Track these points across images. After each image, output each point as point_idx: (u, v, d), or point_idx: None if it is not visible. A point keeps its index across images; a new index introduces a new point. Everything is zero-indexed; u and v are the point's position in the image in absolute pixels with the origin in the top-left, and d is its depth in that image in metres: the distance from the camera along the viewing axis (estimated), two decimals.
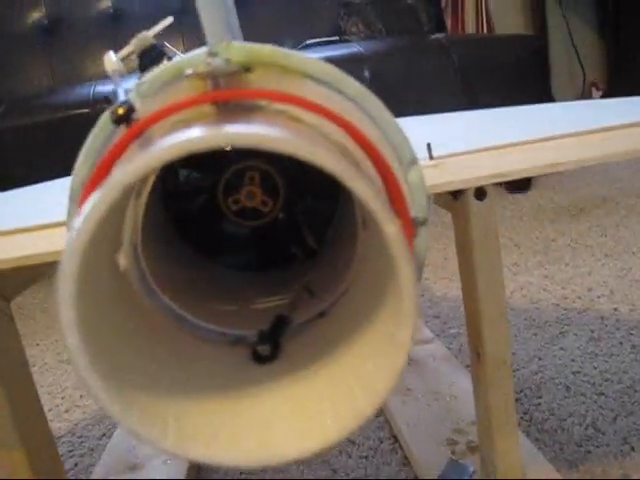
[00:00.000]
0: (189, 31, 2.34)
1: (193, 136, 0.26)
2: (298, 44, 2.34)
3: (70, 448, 1.12)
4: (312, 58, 0.37)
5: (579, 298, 1.43)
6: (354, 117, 0.36)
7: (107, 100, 0.35)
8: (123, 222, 0.37)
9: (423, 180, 0.38)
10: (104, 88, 2.12)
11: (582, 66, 2.87)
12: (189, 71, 0.33)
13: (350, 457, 1.01)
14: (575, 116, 0.72)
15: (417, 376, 1.15)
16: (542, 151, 0.54)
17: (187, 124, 0.31)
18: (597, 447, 0.94)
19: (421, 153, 0.59)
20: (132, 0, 2.55)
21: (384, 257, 0.30)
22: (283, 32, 2.50)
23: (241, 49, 0.35)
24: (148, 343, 0.35)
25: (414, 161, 0.38)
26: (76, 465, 1.08)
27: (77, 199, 0.37)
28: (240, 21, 0.42)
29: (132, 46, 0.45)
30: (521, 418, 1.03)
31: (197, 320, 0.41)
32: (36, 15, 2.51)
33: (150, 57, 0.44)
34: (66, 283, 0.26)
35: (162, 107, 0.32)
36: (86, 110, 2.01)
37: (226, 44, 0.35)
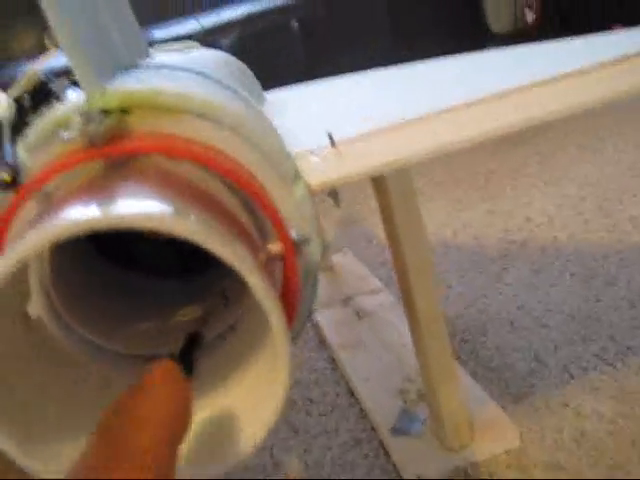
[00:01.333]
0: None
1: (79, 219, 0.27)
2: None
3: None
4: (188, 93, 0.38)
5: (519, 230, 1.47)
6: (232, 146, 0.37)
7: None
8: (26, 274, 0.38)
9: (308, 194, 0.40)
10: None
11: None
12: (65, 136, 0.34)
13: (310, 415, 1.05)
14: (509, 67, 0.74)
15: (367, 327, 1.19)
16: (454, 124, 0.55)
17: (74, 189, 0.33)
18: (540, 379, 0.99)
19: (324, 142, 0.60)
20: None
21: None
22: None
23: (116, 96, 0.36)
24: (58, 382, 0.37)
25: (297, 176, 0.39)
26: None
27: None
28: None
29: (22, 85, 0.46)
30: (468, 358, 1.07)
31: (114, 346, 0.42)
32: None
33: (40, 96, 0.45)
34: None
35: (44, 170, 0.33)
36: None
37: (100, 94, 0.36)
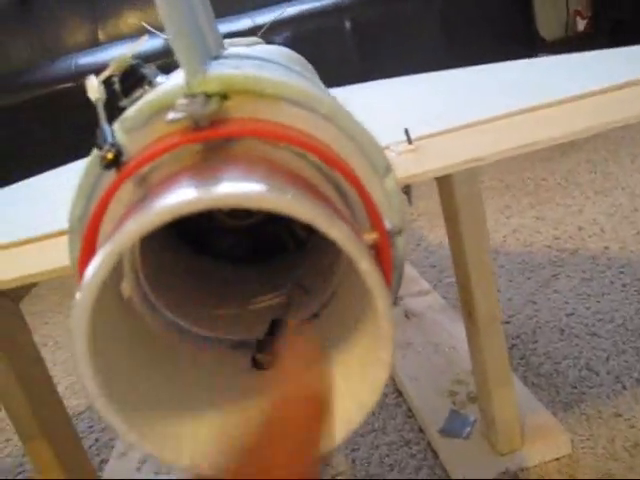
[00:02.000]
0: None
1: (179, 201, 0.28)
2: None
3: (90, 424, 1.17)
4: (285, 80, 0.39)
5: (571, 238, 1.46)
6: (328, 135, 0.38)
7: (95, 145, 0.37)
8: (122, 258, 0.40)
9: (398, 187, 0.40)
10: (85, 60, 2.12)
11: None
12: (171, 117, 0.35)
13: None
14: (562, 76, 0.74)
15: (416, 329, 1.19)
16: (525, 126, 0.56)
17: (173, 171, 0.34)
18: (591, 388, 0.98)
19: (401, 136, 0.61)
20: None
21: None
22: None
23: (216, 81, 0.37)
24: (157, 363, 0.38)
25: (389, 169, 0.40)
26: (97, 440, 1.12)
27: (75, 232, 0.40)
28: None
29: (112, 69, 0.47)
30: (518, 364, 1.07)
31: (199, 330, 0.44)
32: None
33: (131, 80, 0.46)
34: (79, 336, 0.29)
35: (149, 151, 0.34)
36: (70, 84, 2.01)
37: (202, 79, 0.37)
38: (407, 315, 1.24)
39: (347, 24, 2.05)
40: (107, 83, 0.47)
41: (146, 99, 0.40)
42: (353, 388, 0.34)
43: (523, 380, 1.02)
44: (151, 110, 0.38)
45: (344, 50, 2.06)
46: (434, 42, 2.11)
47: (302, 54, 0.98)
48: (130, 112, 0.39)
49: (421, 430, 0.98)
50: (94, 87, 0.44)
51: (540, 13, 2.68)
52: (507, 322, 1.19)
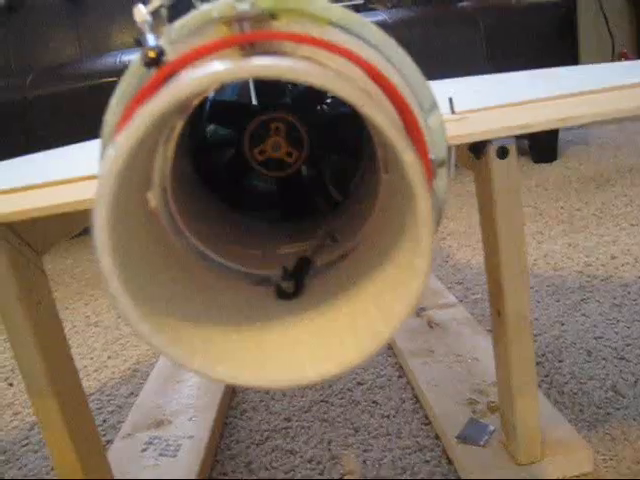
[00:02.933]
0: None
1: (219, 68, 0.27)
2: None
3: (99, 405, 1.15)
4: (336, 5, 0.38)
5: (602, 266, 1.43)
6: (377, 62, 0.37)
7: (137, 43, 0.36)
8: (153, 165, 0.38)
9: (443, 124, 0.39)
10: (130, 57, 2.14)
11: (611, 35, 2.83)
12: (216, 14, 0.34)
13: (372, 416, 1.03)
14: (602, 76, 0.72)
15: (439, 339, 1.17)
16: (564, 106, 0.54)
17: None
18: (617, 409, 0.95)
19: (444, 108, 0.59)
20: None
21: (404, 194, 0.31)
22: None
23: None
24: (175, 275, 0.37)
25: (434, 106, 0.39)
26: (104, 421, 1.11)
27: (108, 141, 0.39)
28: None
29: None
30: (542, 381, 1.04)
31: (222, 260, 0.42)
32: None
33: (179, 10, 0.45)
34: (101, 207, 0.27)
35: (190, 50, 0.33)
36: (114, 78, 2.03)
37: None
38: (430, 325, 1.21)
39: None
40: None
41: (192, 13, 0.39)
42: (385, 304, 0.32)
43: (546, 397, 0.99)
44: (196, 21, 0.38)
45: None
46: (479, 66, 2.11)
47: None
48: (175, 24, 0.39)
49: (437, 437, 0.95)
50: (141, 13, 0.43)
51: (585, 50, 2.67)
52: (534, 341, 1.16)
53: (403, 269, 0.31)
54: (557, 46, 2.35)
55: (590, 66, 0.88)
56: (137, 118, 0.26)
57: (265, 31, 0.34)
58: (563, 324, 1.21)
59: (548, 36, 2.31)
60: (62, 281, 1.82)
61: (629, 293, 1.29)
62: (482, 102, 0.57)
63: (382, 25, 1.91)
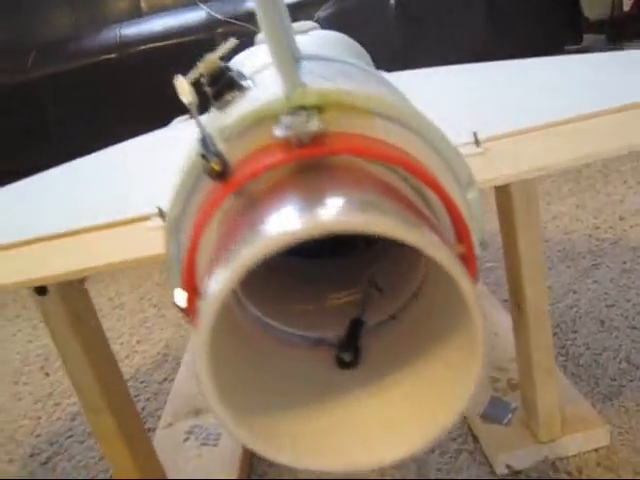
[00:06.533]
0: None
1: (294, 229, 0.30)
2: None
3: (136, 393, 1.20)
4: (376, 95, 0.41)
5: (611, 228, 1.46)
6: (419, 151, 0.40)
7: (202, 144, 0.38)
8: None
9: (479, 199, 0.42)
10: (130, 30, 2.13)
11: None
12: (278, 133, 0.37)
13: None
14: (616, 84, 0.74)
15: None
16: (583, 136, 0.57)
17: (274, 183, 0.36)
18: (631, 381, 1.00)
19: (466, 134, 0.62)
20: None
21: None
22: None
23: (315, 95, 0.39)
24: (251, 360, 0.40)
25: (471, 182, 0.42)
26: (143, 409, 1.16)
27: (172, 231, 0.42)
28: None
29: (200, 70, 0.48)
30: (558, 353, 1.09)
31: (281, 325, 0.46)
32: None
33: (220, 83, 0.47)
34: (202, 357, 0.31)
35: (254, 166, 0.36)
36: (113, 55, 2.04)
37: (301, 92, 0.39)
38: None
39: (392, 1, 2.05)
40: (195, 85, 0.48)
41: (245, 108, 0.41)
42: (444, 394, 0.36)
43: (563, 370, 1.04)
44: (252, 121, 0.40)
45: (387, 27, 2.05)
46: (479, 20, 2.10)
47: (345, 29, 0.99)
48: (229, 121, 0.41)
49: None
50: (185, 89, 0.45)
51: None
52: (548, 311, 1.21)
53: (458, 359, 0.35)
54: None
55: (598, 57, 0.89)
56: (220, 286, 0.30)
57: (321, 147, 0.36)
58: (575, 292, 1.25)
59: None
60: (97, 287, 1.84)
61: (638, 257, 1.33)
62: (504, 125, 0.60)
63: None
